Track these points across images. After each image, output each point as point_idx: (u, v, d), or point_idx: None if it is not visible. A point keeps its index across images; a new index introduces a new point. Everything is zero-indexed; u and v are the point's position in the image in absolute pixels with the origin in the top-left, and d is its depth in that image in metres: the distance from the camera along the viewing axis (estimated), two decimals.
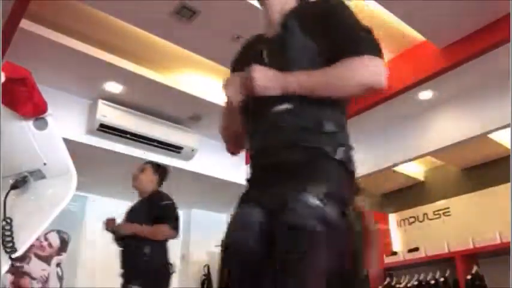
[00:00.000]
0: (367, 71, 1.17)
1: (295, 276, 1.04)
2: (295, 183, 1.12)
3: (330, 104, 1.23)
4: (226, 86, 1.30)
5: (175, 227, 3.01)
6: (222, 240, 1.23)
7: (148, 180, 3.19)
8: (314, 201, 1.08)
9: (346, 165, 1.20)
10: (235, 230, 1.21)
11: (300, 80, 1.18)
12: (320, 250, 1.06)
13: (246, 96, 1.25)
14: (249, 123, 1.34)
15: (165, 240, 3.04)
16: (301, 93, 1.18)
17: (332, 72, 1.18)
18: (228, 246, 1.21)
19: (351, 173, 1.22)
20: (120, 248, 3.08)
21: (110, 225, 3.09)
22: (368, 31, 1.24)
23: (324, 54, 1.23)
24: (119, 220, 3.12)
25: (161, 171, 3.29)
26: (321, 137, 1.19)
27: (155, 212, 3.00)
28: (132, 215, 3.07)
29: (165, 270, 3.00)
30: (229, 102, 1.32)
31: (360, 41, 1.21)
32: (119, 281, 3.08)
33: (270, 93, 1.19)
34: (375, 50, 1.20)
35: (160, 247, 3.00)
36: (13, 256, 1.31)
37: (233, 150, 1.51)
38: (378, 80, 1.17)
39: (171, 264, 3.07)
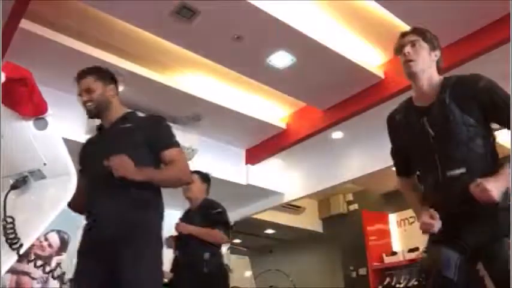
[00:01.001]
0: None
1: None
2: (489, 228, 1.54)
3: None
4: (428, 222, 1.64)
5: (226, 232, 3.21)
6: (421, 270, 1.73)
7: (199, 190, 3.35)
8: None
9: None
10: (434, 262, 1.63)
11: (509, 182, 1.52)
12: None
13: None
14: (428, 185, 1.72)
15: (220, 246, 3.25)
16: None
17: None
18: (429, 274, 1.65)
19: None
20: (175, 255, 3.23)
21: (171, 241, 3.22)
22: None
23: (478, 126, 1.60)
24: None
25: (208, 179, 3.46)
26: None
27: (209, 219, 3.17)
28: (187, 222, 3.20)
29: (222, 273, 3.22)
30: (427, 230, 1.67)
31: None
32: None
33: (498, 198, 1.51)
34: None
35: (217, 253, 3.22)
36: (21, 252, 1.31)
37: None
38: None
39: (227, 265, 3.37)
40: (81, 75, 2.16)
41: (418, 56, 1.71)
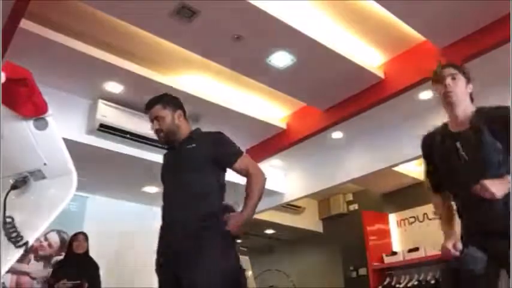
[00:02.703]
0: None
1: None
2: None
3: None
4: (448, 250, 1.83)
5: None
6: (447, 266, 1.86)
7: None
8: None
9: None
10: (466, 261, 1.78)
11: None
12: None
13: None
14: (462, 206, 1.93)
15: None
16: None
17: None
18: (456, 271, 1.80)
19: None
20: None
21: None
22: None
23: (507, 153, 1.75)
24: None
25: None
26: None
27: None
28: None
29: None
30: (448, 256, 1.84)
31: None
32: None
33: (500, 197, 1.68)
34: None
35: None
36: (27, 248, 1.32)
37: None
38: None
39: None
40: (150, 104, 2.37)
41: (457, 88, 1.95)
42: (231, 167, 2.25)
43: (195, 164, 2.19)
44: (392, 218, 6.46)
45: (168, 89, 4.33)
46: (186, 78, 4.46)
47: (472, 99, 2.00)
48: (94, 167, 4.90)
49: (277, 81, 4.37)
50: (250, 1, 3.28)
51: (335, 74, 4.20)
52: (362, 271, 6.34)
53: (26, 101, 1.48)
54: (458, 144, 1.87)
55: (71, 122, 4.38)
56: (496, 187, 1.67)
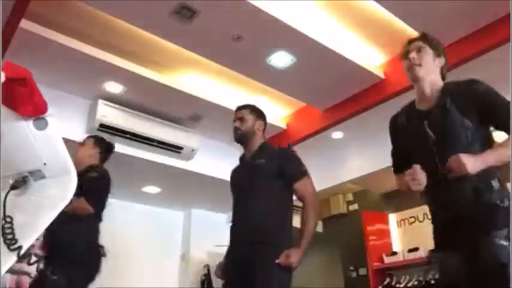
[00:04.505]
0: None
1: None
2: (483, 230, 1.57)
3: (494, 168, 1.65)
4: (413, 179, 1.67)
5: (93, 203, 2.76)
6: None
7: (87, 154, 3.02)
8: (502, 242, 1.53)
9: (509, 210, 1.61)
10: (444, 272, 1.70)
11: (488, 161, 1.60)
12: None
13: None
14: (429, 188, 1.71)
15: (91, 218, 2.76)
16: (487, 167, 1.61)
17: (504, 149, 1.62)
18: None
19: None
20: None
21: None
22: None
23: (478, 130, 1.66)
24: None
25: (103, 145, 3.08)
26: (492, 193, 1.63)
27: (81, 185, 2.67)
28: None
29: (91, 252, 2.75)
30: (412, 189, 1.70)
31: None
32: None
33: (474, 173, 1.58)
34: None
35: (87, 225, 2.73)
36: (21, 253, 1.31)
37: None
38: None
39: (101, 247, 2.84)
40: (241, 106, 2.60)
41: (423, 61, 1.80)
42: (293, 185, 2.33)
43: (265, 179, 2.31)
44: (392, 218, 6.45)
45: (168, 89, 4.34)
46: (186, 78, 4.46)
47: (443, 76, 1.85)
48: None
49: (277, 81, 4.37)
50: (250, 1, 3.28)
51: (335, 74, 4.21)
52: (362, 271, 6.34)
53: (25, 101, 1.47)
54: (425, 124, 1.73)
55: (71, 122, 4.38)
56: (469, 160, 1.55)
